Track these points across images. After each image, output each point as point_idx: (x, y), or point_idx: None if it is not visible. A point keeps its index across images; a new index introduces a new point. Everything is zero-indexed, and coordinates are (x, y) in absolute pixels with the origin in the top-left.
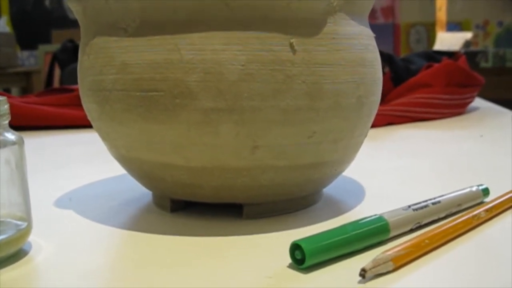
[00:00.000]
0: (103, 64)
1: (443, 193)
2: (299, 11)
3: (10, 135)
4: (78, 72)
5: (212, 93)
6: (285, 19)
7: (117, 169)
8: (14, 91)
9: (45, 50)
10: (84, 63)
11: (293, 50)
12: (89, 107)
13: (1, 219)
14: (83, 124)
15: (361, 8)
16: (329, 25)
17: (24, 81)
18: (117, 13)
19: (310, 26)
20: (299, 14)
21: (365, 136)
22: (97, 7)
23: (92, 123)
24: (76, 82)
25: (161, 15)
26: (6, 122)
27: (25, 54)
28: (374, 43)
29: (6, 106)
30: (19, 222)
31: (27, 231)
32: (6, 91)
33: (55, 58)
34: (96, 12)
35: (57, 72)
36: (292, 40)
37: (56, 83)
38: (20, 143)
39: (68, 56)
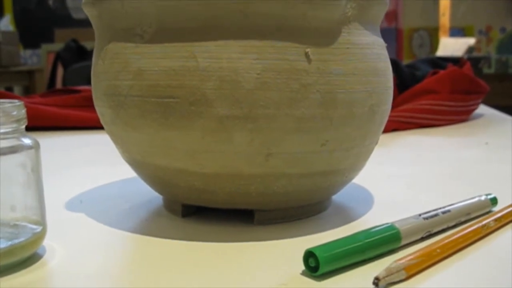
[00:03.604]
0: (119, 69)
1: (449, 201)
2: (314, 20)
3: (27, 140)
4: (92, 75)
5: (227, 101)
6: (300, 29)
7: (126, 172)
8: (17, 89)
9: (48, 49)
10: (99, 68)
11: (308, 60)
12: (103, 111)
13: (17, 223)
14: (90, 125)
15: (374, 18)
16: (344, 35)
17: (26, 80)
18: (133, 18)
19: (325, 36)
20: (314, 24)
21: (376, 143)
22: (113, 12)
23: (105, 127)
24: (79, 82)
25: (177, 21)
26: (23, 126)
27: (28, 52)
28: (385, 52)
29: (24, 111)
30: (34, 226)
31: (42, 234)
32: (9, 90)
33: (58, 57)
34: (112, 17)
35: (60, 71)
36: (307, 50)
37: (59, 82)
38: (36, 147)
39: (71, 56)
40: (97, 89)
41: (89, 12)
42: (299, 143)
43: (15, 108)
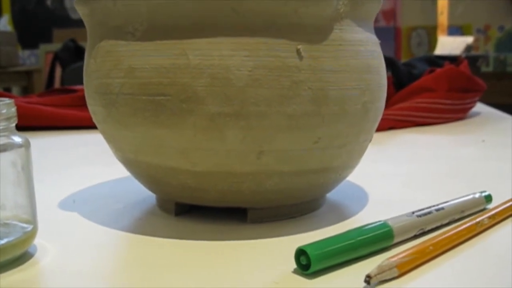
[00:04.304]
0: (110, 67)
1: (445, 199)
2: (306, 17)
3: (17, 138)
4: (84, 74)
5: (219, 98)
6: (292, 26)
7: (120, 171)
8: (15, 90)
9: (46, 49)
10: (91, 66)
11: (300, 57)
12: (95, 110)
13: (7, 222)
14: (86, 125)
15: (367, 15)
16: (336, 32)
17: (25, 80)
18: (124, 16)
19: (317, 33)
20: (306, 21)
21: (370, 141)
22: (104, 10)
23: (97, 126)
24: (77, 82)
25: (169, 19)
26: (13, 125)
27: (26, 53)
28: (379, 49)
29: (14, 109)
30: (25, 225)
31: (33, 233)
32: (7, 90)
33: (57, 57)
34: (104, 15)
35: (58, 71)
36: (299, 47)
37: (57, 83)
38: (26, 145)
39: (69, 56)
40: (89, 87)
41: (80, 10)
42: (291, 140)
43: (5, 106)
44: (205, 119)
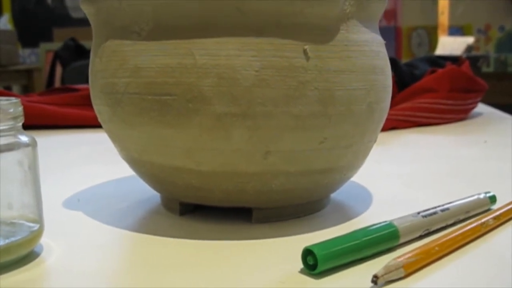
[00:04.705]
0: (116, 67)
1: (449, 199)
2: (313, 17)
3: (24, 137)
4: (90, 73)
5: (225, 98)
6: (298, 26)
7: (125, 170)
8: (15, 88)
9: (47, 48)
10: (96, 65)
11: (307, 57)
12: (100, 109)
13: (14, 221)
14: (88, 124)
15: (372, 15)
16: (342, 32)
17: (25, 79)
18: (130, 16)
19: (323, 33)
20: (313, 21)
21: (375, 141)
22: (110, 10)
23: (103, 125)
24: (78, 81)
25: (174, 19)
26: (20, 124)
27: (26, 51)
28: (384, 50)
29: (20, 108)
30: (31, 224)
31: (39, 233)
32: (7, 89)
33: (57, 56)
34: (109, 14)
35: (58, 70)
36: (305, 47)
37: (57, 81)
38: (33, 145)
39: (69, 54)
40: (95, 87)
41: (86, 9)
42: (297, 140)
43: (12, 105)
44: (211, 119)
